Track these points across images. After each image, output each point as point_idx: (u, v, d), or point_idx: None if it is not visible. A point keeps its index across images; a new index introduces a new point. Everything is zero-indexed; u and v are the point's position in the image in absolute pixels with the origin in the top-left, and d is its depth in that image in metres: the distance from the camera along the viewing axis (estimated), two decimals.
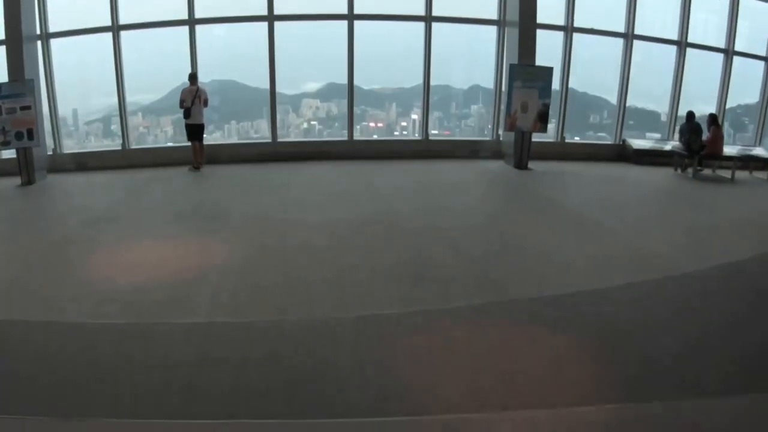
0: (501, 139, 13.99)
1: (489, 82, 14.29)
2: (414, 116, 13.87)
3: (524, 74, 12.92)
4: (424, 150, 13.84)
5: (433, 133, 14.09)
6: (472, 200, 9.81)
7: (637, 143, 14.79)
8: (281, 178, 11.31)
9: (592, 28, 14.39)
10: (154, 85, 12.35)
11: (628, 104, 14.76)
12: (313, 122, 13.85)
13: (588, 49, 13.92)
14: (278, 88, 13.20)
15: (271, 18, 12.97)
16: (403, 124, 13.97)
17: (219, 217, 8.25)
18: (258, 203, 9.23)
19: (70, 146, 12.81)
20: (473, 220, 8.28)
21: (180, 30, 12.81)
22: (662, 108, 14.90)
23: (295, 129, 13.64)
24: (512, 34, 13.34)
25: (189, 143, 12.29)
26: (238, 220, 8.25)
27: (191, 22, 12.85)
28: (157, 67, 12.57)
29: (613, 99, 14.71)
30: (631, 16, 14.55)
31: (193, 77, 12.03)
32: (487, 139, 14.61)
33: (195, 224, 7.96)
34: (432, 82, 13.83)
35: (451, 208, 8.97)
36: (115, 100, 12.17)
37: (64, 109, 12.50)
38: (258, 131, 13.32)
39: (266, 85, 13.17)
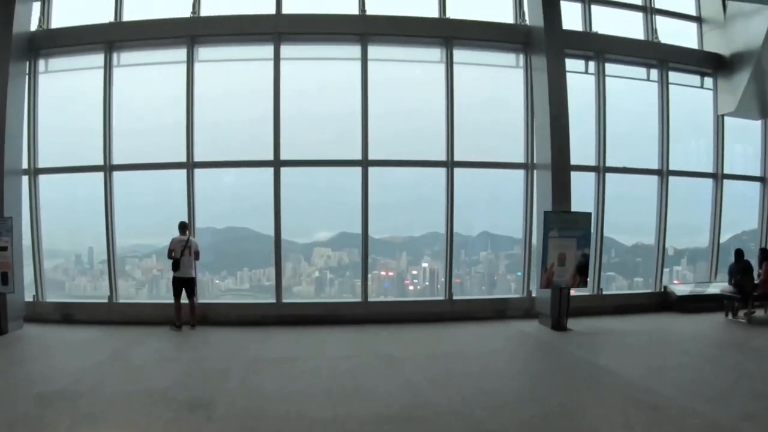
0: (533, 295, 12.36)
1: (498, 228, 13.25)
2: (424, 264, 12.67)
3: (560, 222, 11.30)
4: (448, 312, 12.31)
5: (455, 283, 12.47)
6: (517, 380, 8.06)
7: (680, 289, 13.47)
8: (283, 349, 9.68)
9: (624, 166, 13.31)
10: (168, 228, 11.33)
11: (634, 241, 13.88)
12: (324, 270, 12.61)
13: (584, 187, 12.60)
14: (290, 237, 12.20)
15: (277, 163, 12.06)
16: (414, 272, 12.69)
17: (200, 407, 6.57)
18: (251, 388, 7.47)
19: (82, 285, 11.95)
20: (532, 416, 6.39)
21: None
22: (669, 242, 13.81)
23: (306, 278, 12.48)
24: (543, 177, 12.04)
25: (182, 299, 11.06)
26: (223, 413, 6.40)
27: (189, 165, 11.97)
28: (172, 209, 11.73)
29: (620, 238, 13.92)
30: (665, 150, 13.72)
31: (183, 226, 11.12)
32: (516, 296, 12.95)
33: (167, 417, 6.29)
34: (440, 230, 12.70)
35: (497, 394, 7.18)
36: (134, 241, 11.48)
37: (79, 248, 11.94)
38: (270, 279, 12.06)
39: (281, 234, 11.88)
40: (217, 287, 11.83)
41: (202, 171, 11.92)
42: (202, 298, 11.71)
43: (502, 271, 12.71)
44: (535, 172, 12.52)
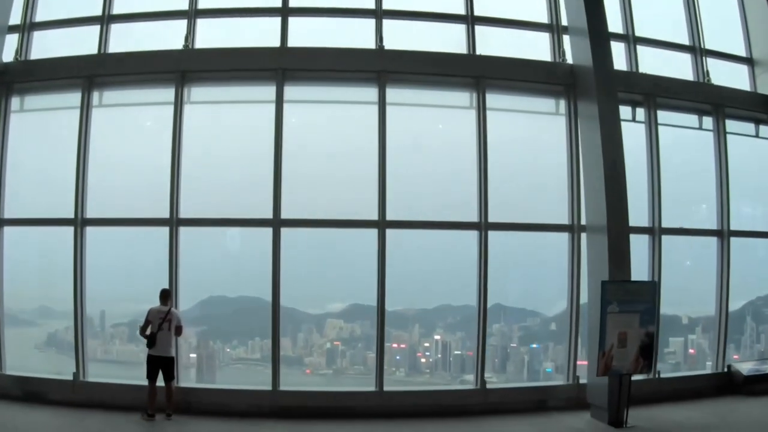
0: (582, 381, 10.29)
1: (534, 300, 11.53)
2: (437, 337, 11.49)
3: (621, 294, 9.21)
4: (480, 403, 10.30)
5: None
6: None
7: (746, 368, 11.54)
8: None
9: (681, 227, 11.46)
10: (181, 295, 10.35)
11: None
12: (336, 342, 11.58)
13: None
14: (302, 308, 11.17)
15: (276, 223, 10.26)
16: (426, 344, 11.57)
17: None
18: None
19: (93, 348, 10.61)
20: None
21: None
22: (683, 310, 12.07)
23: (318, 349, 11.46)
24: (596, 241, 10.13)
25: (158, 381, 9.41)
26: None
27: (173, 222, 10.26)
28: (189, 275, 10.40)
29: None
30: (724, 209, 11.77)
31: (165, 295, 9.56)
32: (560, 383, 10.83)
33: None
34: (455, 303, 11.57)
35: None
36: (145, 306, 9.74)
37: (91, 310, 10.68)
38: (282, 349, 10.74)
39: (291, 304, 10.82)
40: (228, 356, 10.90)
41: (198, 230, 10.48)
42: (207, 371, 10.60)
43: (516, 343, 11.52)
44: (582, 235, 10.69)
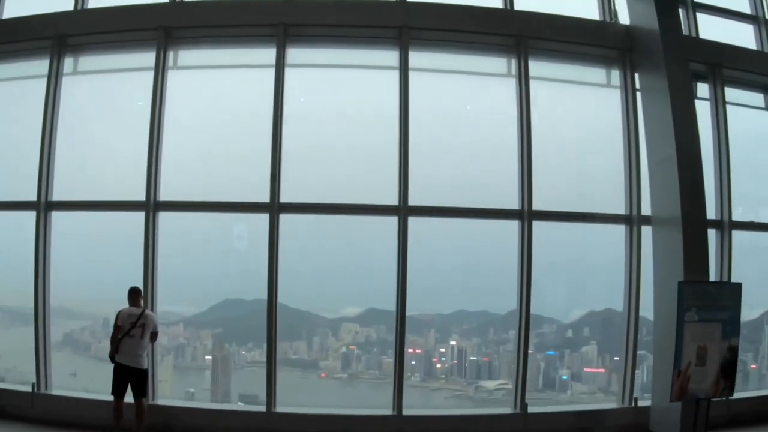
0: (639, 404, 8.71)
1: (550, 305, 9.80)
2: (452, 342, 10.41)
3: (700, 298, 7.34)
4: (519, 430, 8.71)
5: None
6: None
7: None
8: None
9: (752, 221, 9.74)
10: (196, 297, 9.47)
11: None
12: (351, 346, 10.63)
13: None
14: (318, 312, 10.19)
15: (274, 208, 8.50)
16: (442, 350, 10.53)
17: None
18: None
19: (103, 349, 8.91)
20: None
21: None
22: None
23: (333, 353, 10.56)
24: (666, 235, 8.47)
25: (129, 396, 7.76)
26: None
27: (150, 206, 8.57)
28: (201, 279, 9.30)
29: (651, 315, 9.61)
30: None
31: (135, 294, 7.88)
32: (613, 406, 9.08)
33: None
34: (471, 309, 10.26)
35: None
36: (161, 308, 8.86)
37: (107, 311, 9.00)
38: (297, 353, 10.26)
39: (306, 307, 10.00)
40: (243, 359, 10.35)
41: (194, 219, 9.12)
42: (223, 373, 9.47)
43: (532, 350, 10.34)
44: (649, 228, 8.98)
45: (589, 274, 9.58)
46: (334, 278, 9.74)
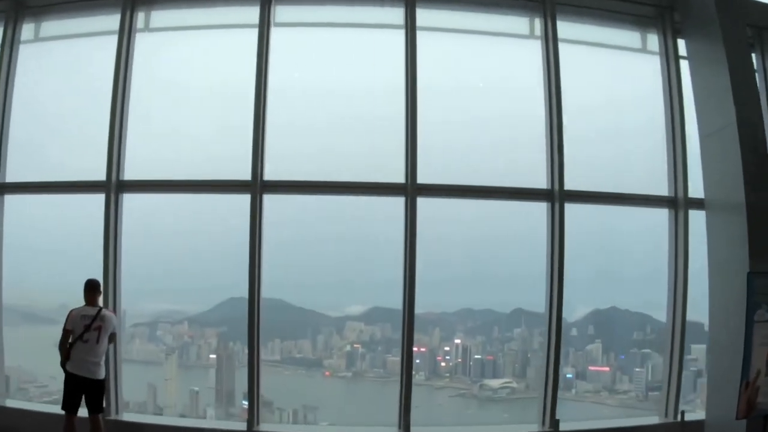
0: (689, 419, 7.51)
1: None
2: (457, 341, 9.97)
3: None
4: None
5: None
6: None
7: None
8: None
9: None
10: (201, 296, 8.91)
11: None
12: (356, 345, 10.24)
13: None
14: (323, 310, 9.64)
15: (256, 187, 7.28)
16: (446, 348, 10.13)
17: None
18: None
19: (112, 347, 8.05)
20: None
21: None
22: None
23: (338, 351, 10.21)
24: (723, 221, 7.22)
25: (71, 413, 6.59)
26: None
27: (110, 187, 7.39)
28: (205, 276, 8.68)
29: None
30: None
31: (92, 289, 6.64)
32: (656, 421, 7.80)
33: None
34: (476, 307, 9.45)
35: None
36: (165, 306, 8.92)
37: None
38: (301, 352, 9.94)
39: (311, 306, 9.32)
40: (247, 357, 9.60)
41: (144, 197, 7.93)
42: (227, 372, 8.60)
43: (536, 348, 10.09)
44: (686, 212, 7.90)
45: (623, 265, 8.69)
46: (333, 271, 8.99)
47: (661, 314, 9.75)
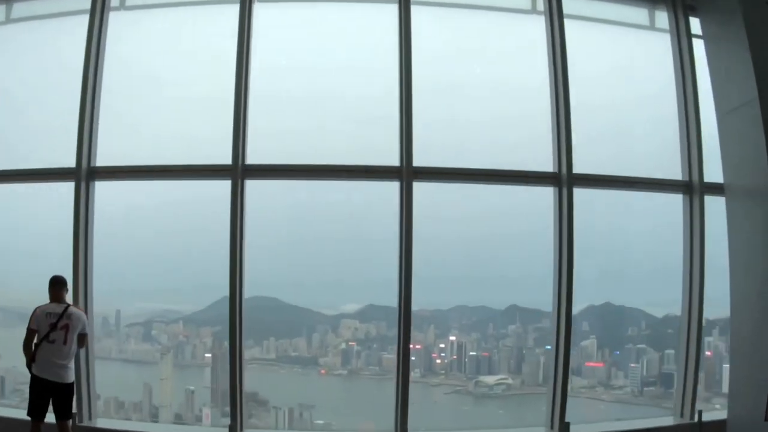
0: (707, 419, 6.97)
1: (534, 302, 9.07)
2: (452, 338, 9.85)
3: None
4: None
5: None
6: None
7: None
8: None
9: None
10: (195, 295, 8.67)
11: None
12: (351, 342, 10.05)
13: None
14: (318, 308, 9.38)
15: (237, 172, 6.60)
16: (441, 345, 10.02)
17: None
18: None
19: (109, 347, 8.69)
20: None
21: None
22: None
23: (333, 349, 10.03)
24: (745, 207, 6.68)
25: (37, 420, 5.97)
26: None
27: (80, 175, 6.75)
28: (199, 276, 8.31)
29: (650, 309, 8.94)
30: None
31: (57, 286, 6.03)
32: (671, 423, 7.19)
33: None
34: (470, 304, 9.11)
35: None
36: (159, 306, 8.74)
37: (107, 309, 8.85)
38: (296, 350, 9.72)
39: (307, 305, 8.95)
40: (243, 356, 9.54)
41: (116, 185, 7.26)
42: (222, 371, 7.79)
43: (531, 345, 10.02)
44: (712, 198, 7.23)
45: (629, 259, 8.18)
46: (326, 267, 8.58)
47: (658, 310, 9.74)
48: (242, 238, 6.77)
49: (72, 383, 6.00)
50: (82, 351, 6.40)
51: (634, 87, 7.83)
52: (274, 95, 7.04)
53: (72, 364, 5.98)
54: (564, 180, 6.83)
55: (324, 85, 7.12)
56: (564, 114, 6.96)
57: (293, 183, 7.28)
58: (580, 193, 7.09)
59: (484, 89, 7.32)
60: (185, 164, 6.85)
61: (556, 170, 6.93)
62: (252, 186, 7.01)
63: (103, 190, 7.26)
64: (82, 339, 6.07)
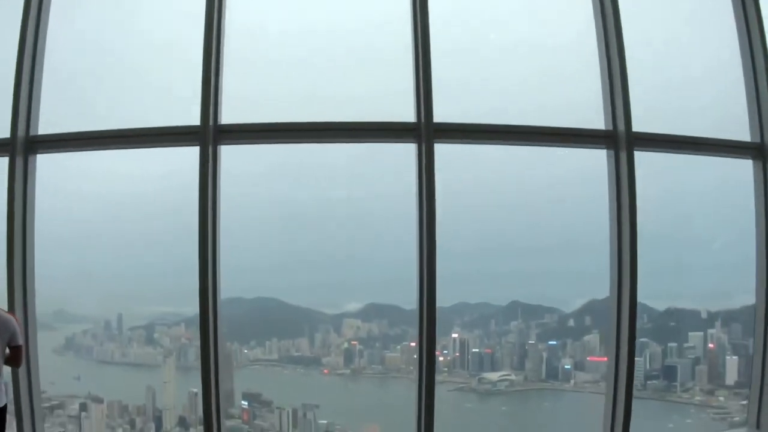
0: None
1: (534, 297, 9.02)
2: (454, 335, 9.75)
3: None
4: None
5: None
6: None
7: None
8: None
9: None
10: (196, 297, 7.46)
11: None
12: (354, 342, 10.01)
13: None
14: (320, 308, 9.39)
15: (207, 134, 4.91)
16: (444, 343, 9.85)
17: None
18: None
19: (111, 350, 8.60)
20: None
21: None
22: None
23: (336, 349, 10.01)
24: None
25: None
26: None
27: (15, 146, 5.31)
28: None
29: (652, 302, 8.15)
30: None
31: None
32: None
33: None
34: (472, 301, 8.66)
35: None
36: (163, 308, 8.57)
37: (108, 314, 9.08)
38: (299, 350, 9.69)
39: (307, 305, 8.38)
40: (246, 357, 9.63)
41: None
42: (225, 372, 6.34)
43: (533, 340, 9.83)
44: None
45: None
46: (327, 266, 7.98)
47: (660, 303, 9.39)
48: (215, 219, 5.40)
49: (2, 408, 4.73)
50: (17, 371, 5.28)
51: (690, 37, 6.35)
52: (256, 32, 5.51)
53: (1, 384, 4.73)
54: (622, 139, 5.31)
55: (318, 19, 5.60)
56: (619, 61, 5.40)
57: (288, 181, 6.17)
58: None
59: (521, 33, 5.89)
60: (141, 127, 5.29)
61: (612, 128, 5.37)
62: (234, 167, 5.50)
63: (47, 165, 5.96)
64: (15, 353, 4.63)
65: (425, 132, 4.97)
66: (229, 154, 5.48)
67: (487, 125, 5.31)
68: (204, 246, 5.39)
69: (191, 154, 5.18)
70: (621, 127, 5.32)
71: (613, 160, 5.43)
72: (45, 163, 6.01)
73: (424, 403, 5.89)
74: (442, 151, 5.21)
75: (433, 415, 5.87)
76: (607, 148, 5.40)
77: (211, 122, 4.98)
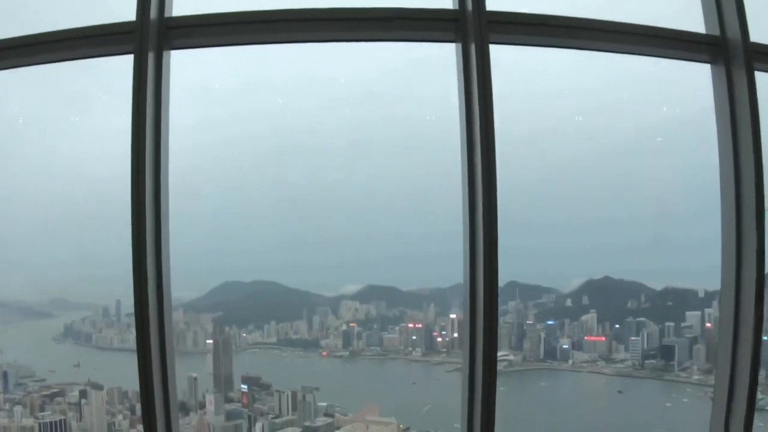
0: None
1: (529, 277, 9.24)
2: (453, 316, 10.00)
3: None
4: None
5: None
6: None
7: None
8: None
9: None
10: (195, 281, 8.67)
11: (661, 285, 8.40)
12: (352, 324, 10.24)
13: None
14: (318, 290, 9.63)
15: (146, 33, 2.00)
16: (442, 323, 10.20)
17: None
18: None
19: (110, 337, 8.98)
20: None
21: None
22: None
23: (334, 331, 10.29)
24: None
25: None
26: None
27: None
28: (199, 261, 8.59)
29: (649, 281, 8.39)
30: None
31: None
32: None
33: None
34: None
35: None
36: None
37: (107, 301, 9.31)
38: (297, 332, 9.95)
39: (306, 288, 8.73)
40: (244, 341, 9.85)
41: None
42: (224, 356, 6.81)
43: (531, 320, 9.84)
44: None
45: None
46: (339, 264, 8.50)
47: (657, 283, 9.28)
48: (159, 178, 2.28)
49: None
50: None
51: None
52: None
53: None
54: (733, 50, 2.63)
55: None
56: None
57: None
58: None
59: None
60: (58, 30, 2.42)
61: (720, 33, 2.67)
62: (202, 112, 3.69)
63: None
64: None
65: (474, 23, 2.52)
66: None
67: (567, 18, 2.61)
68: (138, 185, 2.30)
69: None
70: (734, 34, 2.74)
71: (725, 79, 2.67)
72: None
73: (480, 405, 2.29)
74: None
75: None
76: (713, 62, 2.75)
77: (153, 15, 2.48)
